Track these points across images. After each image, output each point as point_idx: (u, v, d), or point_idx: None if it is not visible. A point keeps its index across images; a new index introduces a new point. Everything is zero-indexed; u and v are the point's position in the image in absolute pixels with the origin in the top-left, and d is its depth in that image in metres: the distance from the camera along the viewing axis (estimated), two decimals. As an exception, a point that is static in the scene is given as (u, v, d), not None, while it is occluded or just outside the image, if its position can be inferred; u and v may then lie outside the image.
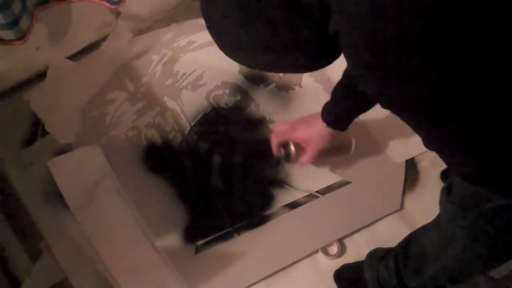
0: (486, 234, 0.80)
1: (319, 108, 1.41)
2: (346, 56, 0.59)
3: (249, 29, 0.60)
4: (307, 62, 0.65)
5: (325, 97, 1.43)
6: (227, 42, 0.66)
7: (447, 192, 0.83)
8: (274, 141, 1.25)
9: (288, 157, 1.25)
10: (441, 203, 0.86)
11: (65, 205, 1.27)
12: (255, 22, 0.59)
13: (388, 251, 1.14)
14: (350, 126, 1.15)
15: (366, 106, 1.09)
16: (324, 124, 1.14)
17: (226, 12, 0.61)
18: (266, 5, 0.58)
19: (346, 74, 1.07)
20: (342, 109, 1.12)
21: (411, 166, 1.36)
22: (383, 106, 0.62)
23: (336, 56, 0.65)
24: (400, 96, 0.59)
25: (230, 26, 0.62)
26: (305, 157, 1.20)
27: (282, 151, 1.25)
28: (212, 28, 0.66)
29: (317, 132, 1.16)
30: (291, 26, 0.59)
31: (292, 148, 1.23)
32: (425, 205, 1.32)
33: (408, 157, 1.36)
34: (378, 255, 1.15)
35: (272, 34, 0.60)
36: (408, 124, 0.64)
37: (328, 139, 1.16)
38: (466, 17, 0.52)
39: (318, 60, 0.65)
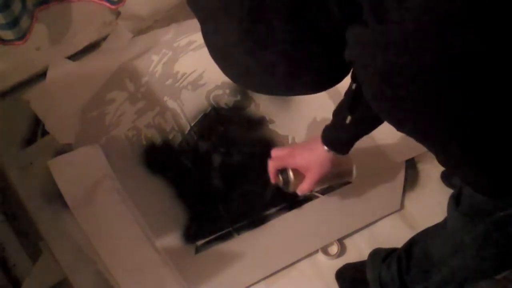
0: (496, 242, 0.80)
1: (318, 108, 1.42)
2: (362, 86, 0.57)
3: (256, 53, 0.57)
4: (314, 86, 0.63)
5: (325, 97, 1.44)
6: (232, 69, 0.62)
7: (455, 202, 0.82)
8: (272, 167, 1.17)
9: (287, 184, 1.16)
10: (448, 211, 0.86)
11: (65, 205, 1.27)
12: (263, 47, 0.56)
13: (390, 252, 1.14)
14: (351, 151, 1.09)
15: (369, 128, 1.03)
16: (325, 148, 1.07)
17: (231, 38, 0.57)
18: (276, 29, 0.54)
19: (348, 95, 1.01)
20: (343, 132, 1.05)
21: (411, 166, 1.36)
22: (397, 129, 0.61)
23: (342, 78, 0.63)
24: (414, 123, 0.57)
25: (236, 52, 0.58)
26: (305, 185, 1.13)
27: (280, 178, 1.16)
28: (216, 53, 0.62)
29: (317, 158, 1.09)
30: (302, 50, 0.56)
31: (291, 174, 1.14)
32: (425, 205, 1.32)
33: (408, 157, 1.36)
34: (380, 256, 1.15)
35: (283, 57, 0.56)
36: (422, 144, 0.63)
37: (329, 165, 1.10)
38: (478, 45, 0.49)
39: (325, 83, 0.63)
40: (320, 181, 1.13)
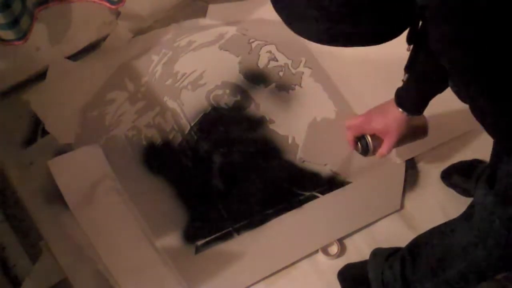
0: None
1: (318, 108, 1.42)
2: (432, 29, 0.60)
3: (321, 4, 0.60)
4: (383, 33, 0.65)
5: (325, 97, 1.44)
6: (297, 20, 0.65)
7: (488, 184, 0.82)
8: (350, 136, 1.18)
9: (366, 150, 1.17)
10: (479, 196, 0.86)
11: (65, 205, 1.27)
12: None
13: (392, 251, 1.14)
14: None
15: (441, 86, 1.02)
16: (400, 110, 1.08)
17: None
18: None
19: (419, 54, 1.00)
20: (417, 91, 1.05)
21: (411, 166, 1.36)
22: (458, 78, 0.64)
23: (402, 30, 0.65)
24: (482, 65, 0.60)
25: (302, 3, 0.61)
26: (384, 148, 1.14)
27: (359, 145, 1.18)
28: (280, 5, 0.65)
29: (393, 120, 1.10)
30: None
31: (370, 140, 1.16)
32: (425, 205, 1.32)
33: (408, 157, 1.36)
34: (382, 256, 1.15)
35: (348, 6, 0.59)
36: (475, 95, 0.65)
37: (405, 126, 1.10)
38: None
39: (394, 31, 0.65)
40: (398, 142, 1.14)
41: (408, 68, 1.00)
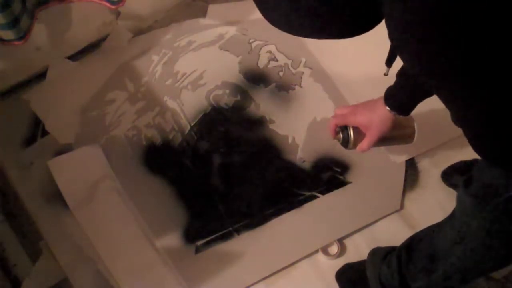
0: (502, 227, 0.80)
1: (318, 108, 1.42)
2: (387, 24, 0.60)
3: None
4: (349, 28, 0.66)
5: (325, 97, 1.44)
6: (272, 14, 0.66)
7: (466, 184, 0.82)
8: (332, 124, 1.18)
9: (346, 142, 1.17)
10: (458, 196, 0.86)
11: (65, 205, 1.27)
12: None
13: (390, 250, 1.14)
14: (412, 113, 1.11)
15: (430, 90, 1.03)
16: (387, 109, 1.08)
17: None
18: None
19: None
20: (406, 92, 1.06)
21: (411, 166, 1.36)
22: (416, 74, 0.63)
23: (371, 26, 0.65)
24: (433, 67, 0.60)
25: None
26: (365, 143, 1.14)
27: (340, 135, 1.17)
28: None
29: (378, 117, 1.10)
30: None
31: (351, 132, 1.15)
32: (425, 205, 1.32)
33: (408, 157, 1.36)
34: (380, 254, 1.15)
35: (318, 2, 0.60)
36: (444, 99, 0.65)
37: (389, 125, 1.10)
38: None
39: (360, 26, 0.65)
40: (380, 140, 1.14)
41: (388, 62, 1.00)
